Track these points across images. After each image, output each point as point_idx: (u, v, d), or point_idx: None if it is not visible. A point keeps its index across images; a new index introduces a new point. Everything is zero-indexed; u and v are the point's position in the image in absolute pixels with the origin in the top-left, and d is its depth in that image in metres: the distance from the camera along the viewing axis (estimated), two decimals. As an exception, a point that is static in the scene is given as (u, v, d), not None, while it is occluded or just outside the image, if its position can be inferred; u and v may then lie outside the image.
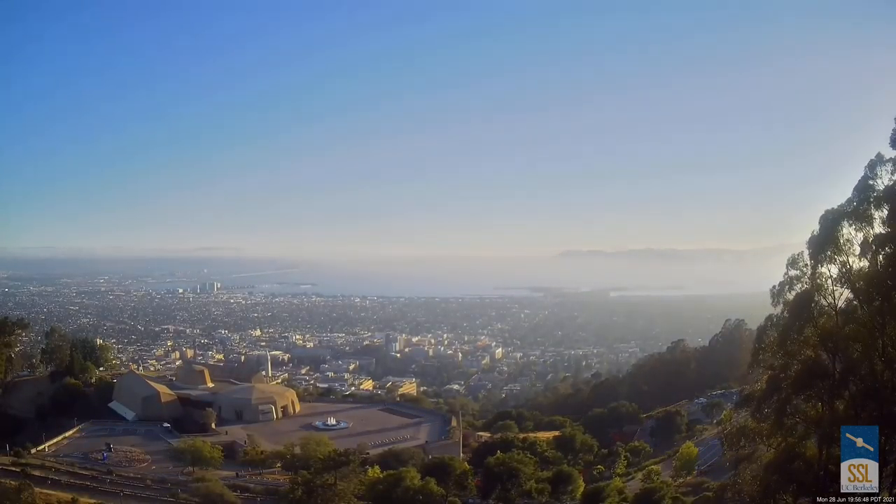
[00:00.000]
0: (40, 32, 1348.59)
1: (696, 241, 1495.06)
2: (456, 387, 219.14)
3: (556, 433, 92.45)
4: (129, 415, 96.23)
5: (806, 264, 28.17)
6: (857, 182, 27.29)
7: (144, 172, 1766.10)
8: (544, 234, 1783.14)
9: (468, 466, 67.36)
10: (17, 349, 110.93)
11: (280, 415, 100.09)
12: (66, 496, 52.15)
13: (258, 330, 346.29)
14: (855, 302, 26.89)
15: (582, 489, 63.41)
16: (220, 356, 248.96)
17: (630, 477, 72.42)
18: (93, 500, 53.42)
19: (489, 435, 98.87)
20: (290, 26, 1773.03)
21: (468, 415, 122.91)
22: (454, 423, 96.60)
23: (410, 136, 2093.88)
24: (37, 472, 59.75)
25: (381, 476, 59.53)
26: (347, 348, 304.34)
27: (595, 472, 76.83)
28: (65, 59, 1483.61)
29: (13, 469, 59.55)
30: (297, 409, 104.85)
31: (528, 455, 67.40)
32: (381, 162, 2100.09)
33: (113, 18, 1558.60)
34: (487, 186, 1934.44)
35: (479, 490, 63.51)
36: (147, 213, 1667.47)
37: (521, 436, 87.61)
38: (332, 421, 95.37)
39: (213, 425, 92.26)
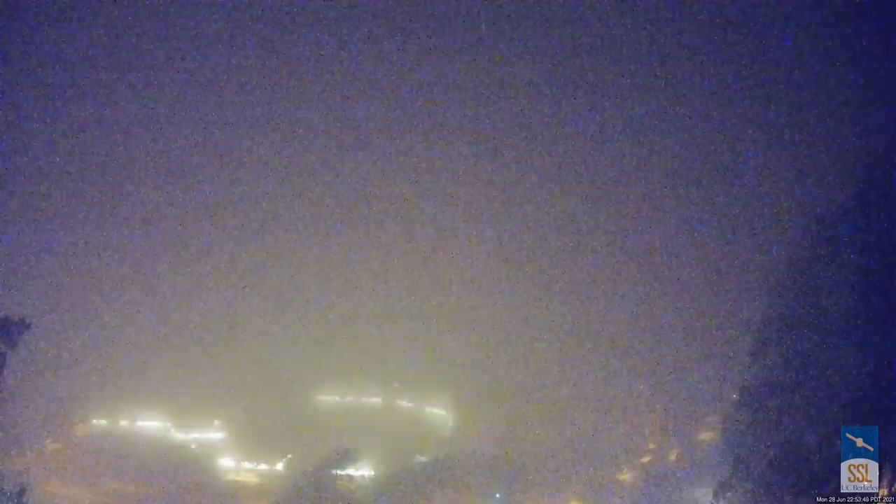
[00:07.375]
0: None
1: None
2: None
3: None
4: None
5: (805, 264, 28.25)
6: (856, 182, 27.35)
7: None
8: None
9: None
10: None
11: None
12: (69, 493, 52.17)
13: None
14: (854, 302, 26.91)
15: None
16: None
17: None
18: (95, 497, 53.47)
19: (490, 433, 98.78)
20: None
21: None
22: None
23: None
24: (38, 471, 59.73)
25: None
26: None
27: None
28: None
29: (15, 467, 59.53)
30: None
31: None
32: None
33: None
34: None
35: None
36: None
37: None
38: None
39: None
